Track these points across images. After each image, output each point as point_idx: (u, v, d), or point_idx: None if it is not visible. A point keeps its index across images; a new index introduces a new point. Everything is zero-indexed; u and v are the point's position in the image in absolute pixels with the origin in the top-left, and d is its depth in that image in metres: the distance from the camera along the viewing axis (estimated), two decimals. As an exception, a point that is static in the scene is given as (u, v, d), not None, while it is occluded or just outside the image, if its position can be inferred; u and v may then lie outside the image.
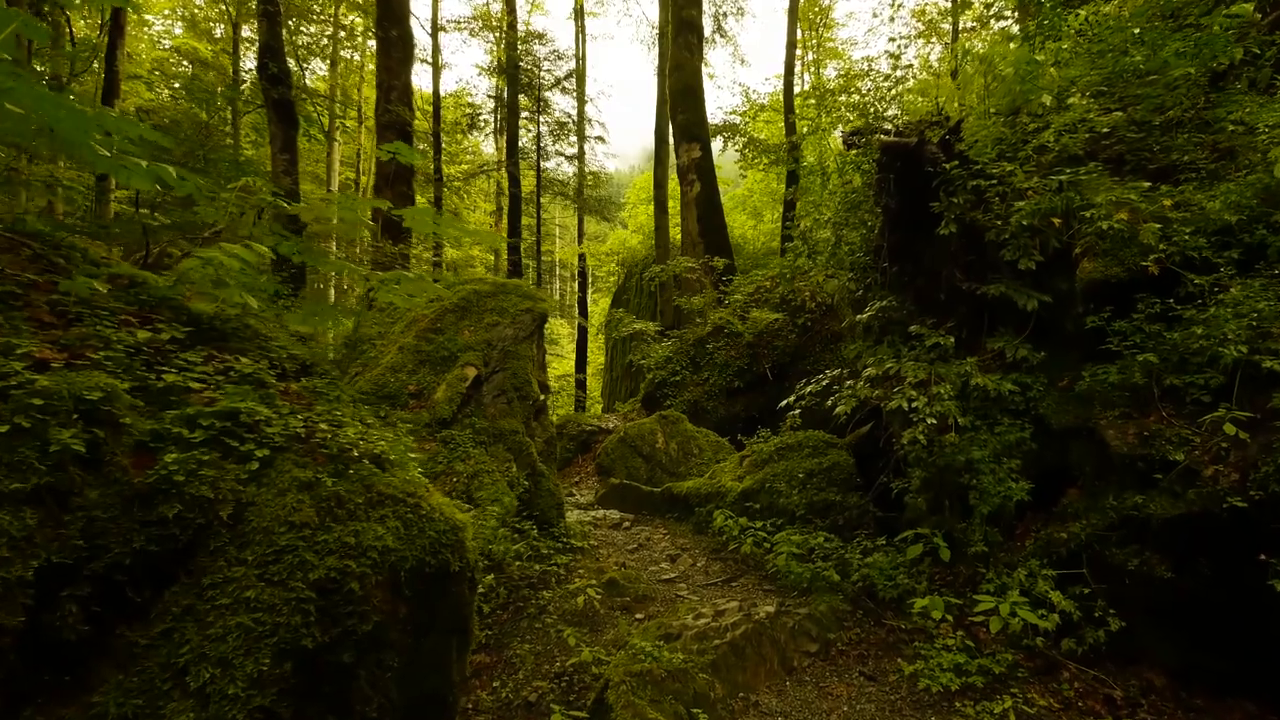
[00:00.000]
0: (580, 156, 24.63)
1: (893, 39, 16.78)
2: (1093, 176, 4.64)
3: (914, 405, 4.70)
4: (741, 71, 51.31)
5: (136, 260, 3.78)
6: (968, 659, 3.96)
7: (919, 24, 21.50)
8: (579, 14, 25.70)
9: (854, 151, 6.33)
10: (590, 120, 25.01)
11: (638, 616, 5.15)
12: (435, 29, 22.11)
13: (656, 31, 23.23)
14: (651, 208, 22.11)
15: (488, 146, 29.42)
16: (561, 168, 25.20)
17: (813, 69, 26.72)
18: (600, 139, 25.37)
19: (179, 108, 17.03)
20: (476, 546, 3.96)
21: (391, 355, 6.26)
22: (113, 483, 2.00)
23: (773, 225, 24.32)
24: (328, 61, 24.63)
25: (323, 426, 2.52)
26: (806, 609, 4.87)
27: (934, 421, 4.61)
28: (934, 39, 21.76)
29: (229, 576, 2.08)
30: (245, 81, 18.21)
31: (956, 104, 6.50)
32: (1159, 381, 4.06)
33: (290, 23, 20.59)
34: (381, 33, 11.17)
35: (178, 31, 21.90)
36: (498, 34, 22.76)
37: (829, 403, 5.72)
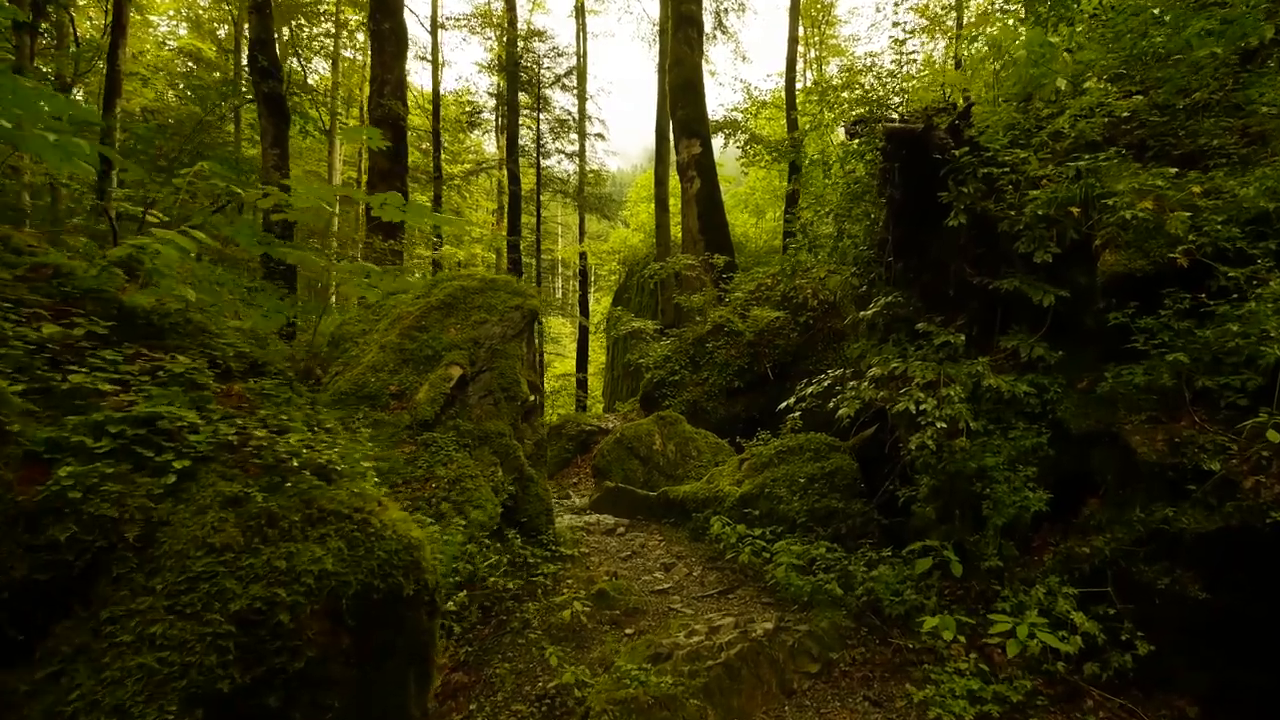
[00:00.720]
0: (581, 154, 24.36)
1: (896, 23, 16.42)
2: (1113, 163, 4.33)
3: (922, 408, 4.40)
4: (743, 68, 51.03)
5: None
6: (982, 685, 3.65)
7: (922, 19, 21.16)
8: (580, 11, 25.45)
9: (856, 141, 6.02)
10: (590, 118, 24.78)
11: (627, 631, 4.85)
12: (435, 26, 21.88)
13: (657, 28, 22.96)
14: (653, 206, 21.82)
15: (490, 145, 29.19)
16: (562, 165, 24.93)
17: (815, 66, 26.42)
18: (600, 136, 25.13)
19: (184, 109, 16.86)
20: (441, 564, 3.67)
21: (373, 354, 5.98)
22: (-11, 501, 1.72)
23: (775, 223, 24.03)
24: (329, 60, 24.43)
25: (258, 433, 2.24)
26: (807, 625, 4.57)
27: (944, 425, 4.30)
28: (938, 34, 21.43)
29: (133, 609, 1.79)
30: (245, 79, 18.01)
31: (961, 96, 6.18)
32: (1190, 383, 3.76)
33: (292, 22, 20.38)
34: (374, 26, 10.91)
35: (182, 32, 21.75)
36: (498, 31, 22.49)
37: (831, 404, 5.42)
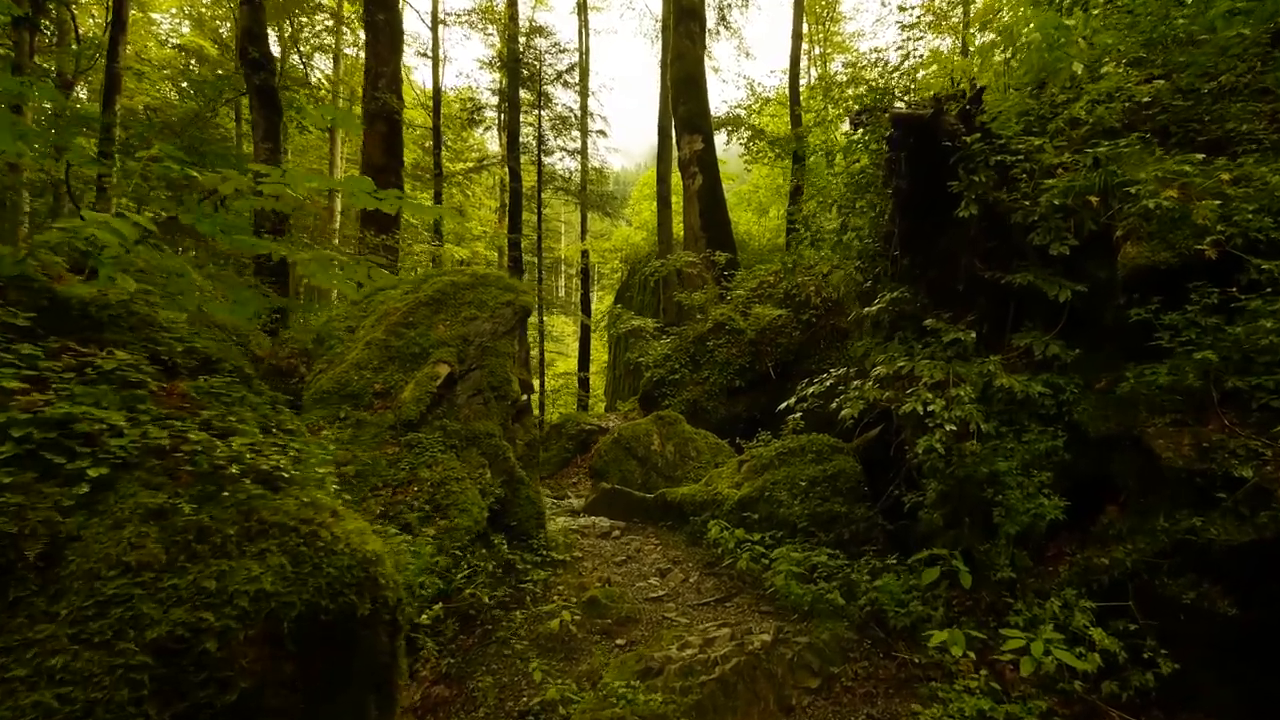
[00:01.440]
0: (583, 151, 24.12)
1: (903, 8, 16.16)
2: (1135, 149, 4.07)
3: (930, 409, 4.15)
4: (746, 65, 50.56)
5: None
6: (993, 704, 3.41)
7: (928, 15, 20.83)
8: (582, 8, 25.23)
9: (861, 131, 5.77)
10: (592, 114, 24.52)
11: (619, 642, 4.63)
12: (435, 22, 21.67)
13: (660, 24, 22.71)
14: (656, 204, 21.58)
15: (493, 144, 28.95)
16: (564, 162, 24.68)
17: (819, 63, 26.12)
18: (602, 133, 24.86)
19: (185, 105, 16.73)
20: (411, 576, 3.45)
21: (357, 351, 5.77)
22: None
23: (778, 221, 23.75)
24: (330, 57, 24.26)
25: (193, 437, 2.01)
26: (807, 637, 4.33)
27: (953, 428, 4.05)
28: (944, 30, 21.10)
29: (30, 638, 1.57)
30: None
31: (969, 84, 5.92)
32: (1218, 384, 3.50)
33: (292, 17, 20.18)
34: (369, 17, 10.70)
35: (185, 30, 21.63)
36: (499, 26, 22.24)
37: (834, 405, 5.18)
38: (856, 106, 6.59)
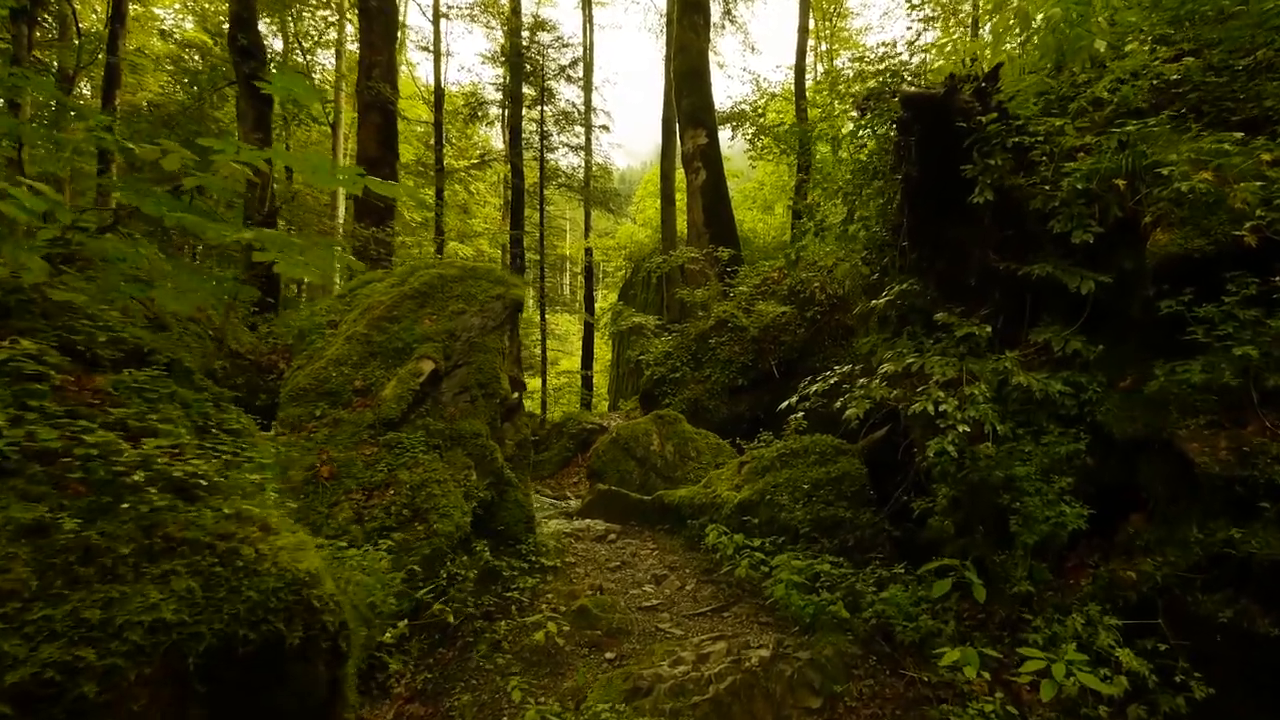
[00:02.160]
0: (587, 147, 23.84)
1: (912, 5, 15.76)
2: (1165, 129, 3.76)
3: (942, 409, 3.86)
4: (752, 60, 50.20)
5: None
6: (1011, 732, 3.12)
7: (937, 8, 20.42)
8: (586, 2, 24.94)
9: (868, 115, 5.46)
10: (596, 110, 24.26)
11: (608, 656, 4.35)
12: (437, 16, 21.41)
13: (664, 19, 22.42)
14: (660, 201, 21.28)
15: (497, 140, 28.70)
16: (567, 159, 24.42)
17: (825, 59, 25.74)
18: (605, 129, 24.59)
19: (187, 100, 16.56)
20: (366, 595, 3.17)
21: (337, 346, 5.51)
22: None
23: (783, 218, 23.43)
24: (332, 51, 24.03)
25: (90, 439, 1.74)
26: (809, 652, 4.04)
27: (966, 429, 3.76)
28: (955, 25, 20.69)
29: None
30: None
31: (981, 65, 5.60)
32: (1259, 382, 3.19)
33: (292, 9, 19.94)
34: (363, 4, 10.44)
35: (188, 26, 21.47)
36: (501, 20, 21.97)
37: (838, 404, 4.88)
38: (864, 95, 6.29)
